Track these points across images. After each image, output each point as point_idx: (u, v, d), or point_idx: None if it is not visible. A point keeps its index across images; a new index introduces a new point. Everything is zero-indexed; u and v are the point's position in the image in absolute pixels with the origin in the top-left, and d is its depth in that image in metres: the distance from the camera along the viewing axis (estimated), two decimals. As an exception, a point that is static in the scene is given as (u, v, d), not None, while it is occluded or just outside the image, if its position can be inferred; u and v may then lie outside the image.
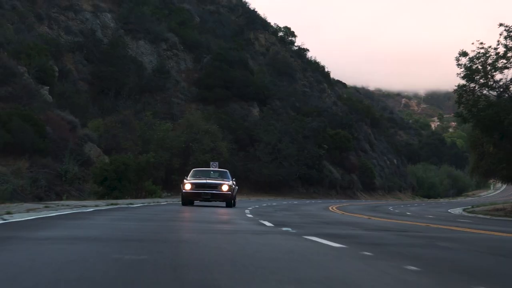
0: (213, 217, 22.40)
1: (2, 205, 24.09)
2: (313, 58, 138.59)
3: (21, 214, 18.67)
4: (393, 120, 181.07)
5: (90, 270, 7.11)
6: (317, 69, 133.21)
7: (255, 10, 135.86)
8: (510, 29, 35.82)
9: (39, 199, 42.29)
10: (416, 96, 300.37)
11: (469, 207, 56.01)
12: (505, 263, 9.98)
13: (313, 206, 45.48)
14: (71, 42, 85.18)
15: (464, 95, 36.24)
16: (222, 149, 79.14)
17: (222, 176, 35.44)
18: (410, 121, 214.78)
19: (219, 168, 71.28)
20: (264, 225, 18.07)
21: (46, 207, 24.07)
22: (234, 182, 34.11)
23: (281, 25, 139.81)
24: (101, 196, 46.14)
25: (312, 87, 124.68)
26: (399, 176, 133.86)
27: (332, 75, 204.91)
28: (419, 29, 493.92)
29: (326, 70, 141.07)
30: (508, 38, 35.60)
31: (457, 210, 46.45)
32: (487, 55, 36.14)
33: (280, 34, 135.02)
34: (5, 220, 15.71)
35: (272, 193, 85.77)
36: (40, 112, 57.64)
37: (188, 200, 33.13)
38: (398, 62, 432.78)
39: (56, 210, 22.88)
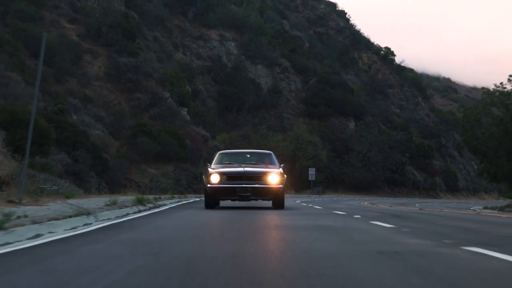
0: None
1: (181, 194, 39.10)
2: (410, 74, 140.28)
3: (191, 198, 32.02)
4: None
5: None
6: (413, 84, 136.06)
7: (360, 31, 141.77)
8: (497, 89, 46.70)
9: (181, 194, 47.17)
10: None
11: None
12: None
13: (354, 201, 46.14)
14: (201, 66, 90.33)
15: (465, 134, 49.57)
16: (322, 157, 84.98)
17: (264, 160, 21.93)
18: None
19: (315, 172, 79.05)
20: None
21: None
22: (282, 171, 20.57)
23: (387, 41, 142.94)
24: (226, 192, 56.20)
25: (408, 101, 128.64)
26: (485, 179, 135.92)
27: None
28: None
29: (422, 84, 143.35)
30: (496, 97, 46.54)
31: (478, 208, 43.96)
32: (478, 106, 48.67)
33: (382, 52, 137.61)
34: (187, 200, 30.12)
35: (362, 192, 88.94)
36: (180, 128, 66.62)
37: (214, 200, 20.46)
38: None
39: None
